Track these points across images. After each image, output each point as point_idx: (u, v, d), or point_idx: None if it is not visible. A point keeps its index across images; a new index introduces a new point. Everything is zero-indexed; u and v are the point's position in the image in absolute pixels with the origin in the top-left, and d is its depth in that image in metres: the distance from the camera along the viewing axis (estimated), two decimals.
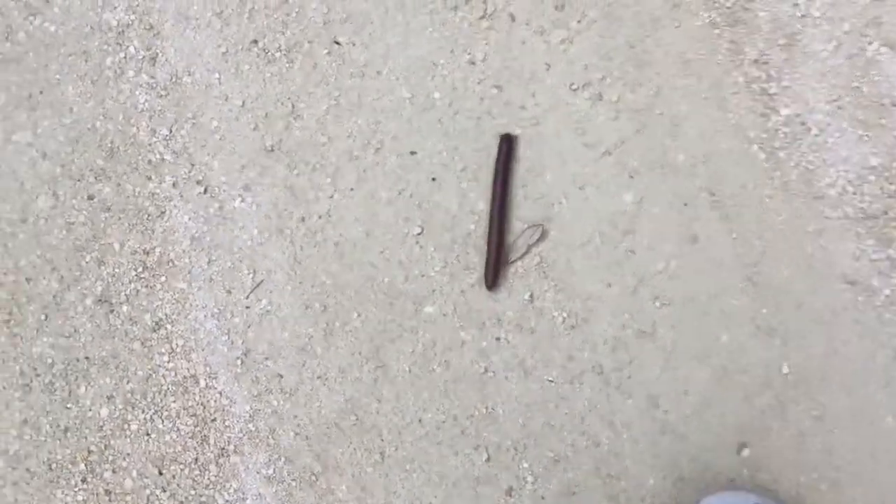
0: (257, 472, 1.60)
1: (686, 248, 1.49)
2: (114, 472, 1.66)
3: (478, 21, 1.57)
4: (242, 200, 1.64)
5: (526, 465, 1.51)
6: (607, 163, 1.51)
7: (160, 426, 1.65)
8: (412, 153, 1.59)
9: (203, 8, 1.67)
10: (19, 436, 1.69)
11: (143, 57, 1.69)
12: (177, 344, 1.65)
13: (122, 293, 1.67)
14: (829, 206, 1.43)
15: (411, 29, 1.59)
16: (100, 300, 1.68)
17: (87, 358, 1.68)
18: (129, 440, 1.65)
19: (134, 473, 1.66)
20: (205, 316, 1.64)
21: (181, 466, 1.64)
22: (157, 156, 1.68)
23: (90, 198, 1.69)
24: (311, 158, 1.62)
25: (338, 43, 1.61)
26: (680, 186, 1.48)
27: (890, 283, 1.40)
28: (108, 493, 1.66)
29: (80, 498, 1.67)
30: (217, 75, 1.66)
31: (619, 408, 1.50)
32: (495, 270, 1.50)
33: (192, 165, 1.66)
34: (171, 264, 1.66)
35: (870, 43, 1.41)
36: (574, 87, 1.53)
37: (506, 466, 1.51)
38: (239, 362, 1.63)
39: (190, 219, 1.65)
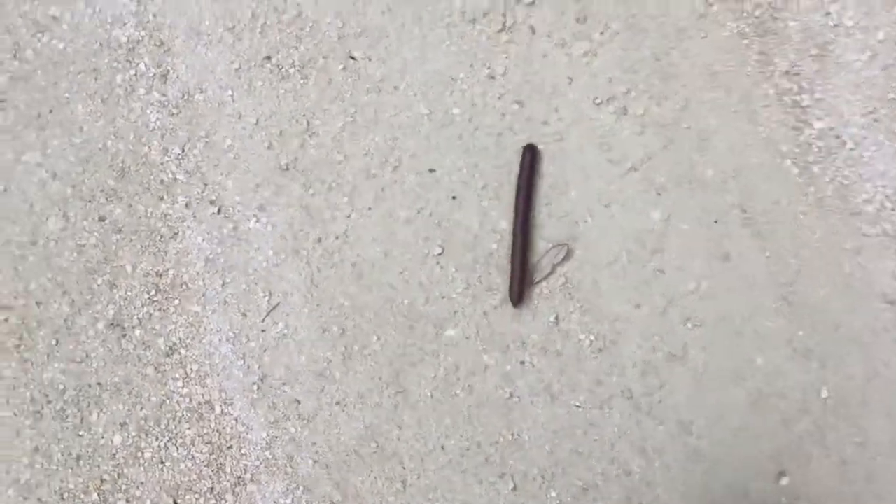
0: (275, 502, 1.60)
1: (717, 267, 1.47)
2: (127, 501, 1.65)
3: (497, 34, 1.55)
4: (257, 221, 1.60)
5: (553, 494, 1.51)
6: (633, 179, 1.50)
7: (175, 454, 1.65)
8: (431, 171, 1.54)
9: (215, 23, 1.65)
10: (30, 464, 1.69)
11: (154, 74, 1.68)
12: (191, 369, 1.64)
13: (135, 317, 1.67)
14: (866, 223, 1.41)
15: (428, 43, 1.57)
16: (112, 324, 1.67)
17: (99, 384, 1.68)
18: (142, 468, 1.65)
19: (148, 503, 1.65)
20: (220, 340, 1.64)
21: (196, 496, 1.63)
22: (170, 175, 1.66)
23: (101, 219, 1.69)
24: (327, 177, 1.59)
25: (353, 58, 1.60)
26: (710, 203, 1.47)
27: None
28: None
29: None
30: (230, 92, 1.65)
31: (650, 434, 1.49)
32: (521, 286, 1.49)
33: (206, 185, 1.64)
34: (184, 287, 1.65)
35: None
36: (598, 101, 1.52)
37: (532, 496, 1.51)
38: (255, 388, 1.62)
39: (204, 240, 1.64)
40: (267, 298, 1.61)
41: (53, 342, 1.67)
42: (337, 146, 1.60)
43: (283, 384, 1.59)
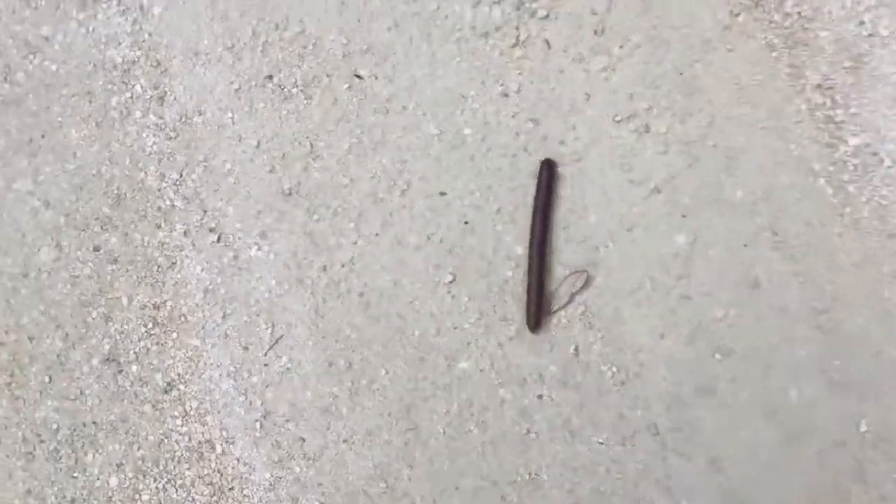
0: None
1: (747, 294, 1.44)
2: None
3: (510, 49, 1.54)
4: (259, 249, 1.60)
5: None
6: (657, 201, 1.48)
7: (174, 496, 1.63)
8: (442, 194, 1.54)
9: (213, 42, 1.65)
10: None
11: (151, 96, 1.68)
12: (190, 406, 1.63)
13: (131, 352, 1.66)
14: None
15: (438, 59, 1.56)
16: (107, 359, 1.67)
17: (94, 423, 1.66)
18: None
19: None
20: (220, 375, 1.62)
21: None
22: (167, 202, 1.66)
23: (96, 249, 1.68)
24: (332, 202, 1.59)
25: (359, 76, 1.59)
26: (738, 225, 1.45)
27: None
28: None
29: None
30: (230, 114, 1.64)
31: (676, 472, 1.46)
32: (538, 309, 1.47)
33: (205, 212, 1.64)
34: (183, 319, 1.64)
35: None
36: (618, 118, 1.50)
37: None
38: (258, 425, 1.61)
39: (203, 270, 1.64)
40: (270, 331, 1.59)
41: (46, 379, 1.66)
42: (342, 169, 1.59)
43: (287, 421, 1.56)
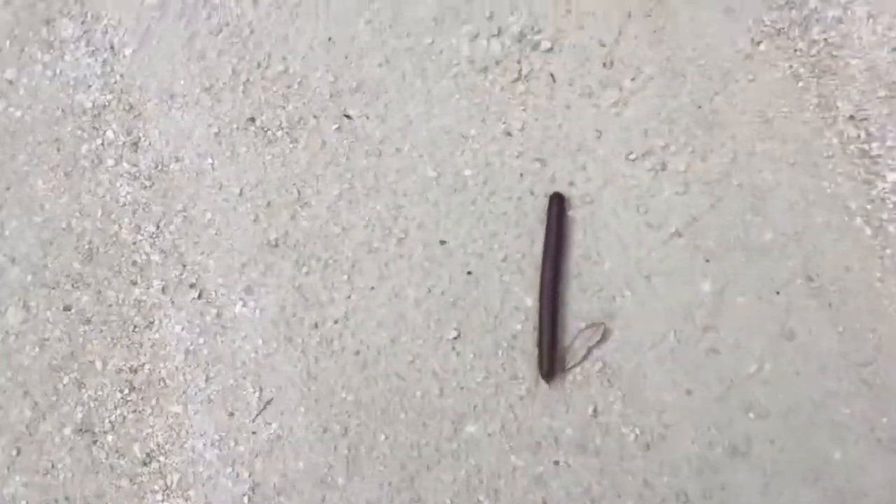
0: None
1: (781, 346, 1.39)
2: None
3: (512, 84, 1.52)
4: (244, 305, 1.56)
5: None
6: (678, 245, 1.44)
7: None
8: (442, 243, 1.51)
9: (190, 83, 1.62)
10: None
11: (124, 142, 1.65)
12: (172, 479, 1.57)
13: (107, 420, 1.60)
14: None
15: (434, 97, 1.54)
16: (80, 429, 1.61)
17: (66, 498, 1.60)
18: None
19: None
20: (204, 445, 1.56)
21: None
22: (143, 256, 1.62)
23: (67, 308, 1.63)
24: (322, 253, 1.55)
25: (348, 116, 1.56)
26: (769, 271, 1.40)
27: None
28: None
29: None
30: (209, 160, 1.61)
31: None
32: (551, 355, 1.42)
33: (184, 266, 1.60)
34: (162, 384, 1.58)
35: None
36: (632, 156, 1.47)
37: None
38: (246, 499, 1.54)
39: (183, 329, 1.59)
40: (257, 395, 1.54)
41: (14, 452, 1.61)
42: (333, 217, 1.55)
43: (279, 494, 1.52)
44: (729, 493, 1.38)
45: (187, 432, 1.56)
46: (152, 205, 1.61)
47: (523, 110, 1.50)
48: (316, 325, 1.53)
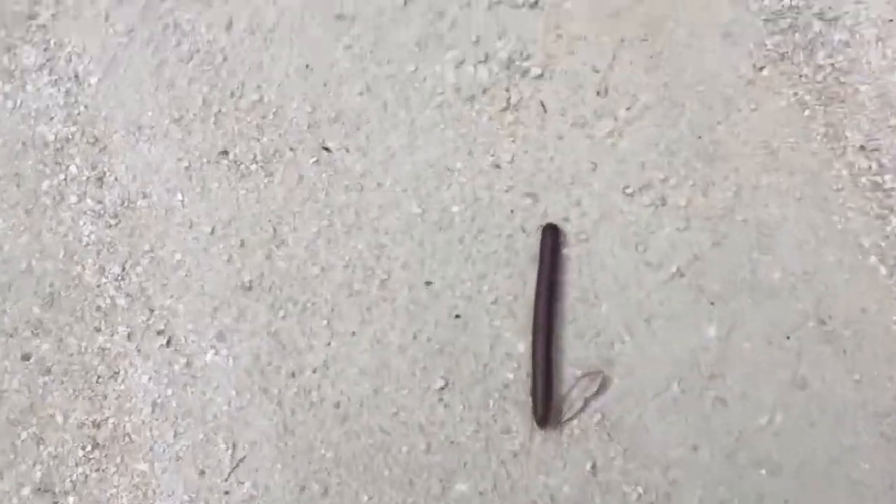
0: None
1: (794, 396, 1.35)
2: None
3: (501, 114, 1.50)
4: (216, 353, 1.53)
5: None
6: (679, 286, 1.41)
7: None
8: (428, 284, 1.48)
9: (159, 114, 1.59)
10: None
11: (88, 178, 1.62)
12: None
13: (68, 479, 1.54)
14: None
15: (418, 127, 1.51)
16: (39, 489, 1.55)
17: None
18: None
19: None
20: None
21: None
22: (108, 301, 1.57)
23: (25, 357, 1.59)
24: (300, 296, 1.52)
25: (327, 149, 1.54)
26: (778, 313, 1.37)
27: None
28: None
29: None
30: (179, 196, 1.58)
31: None
32: (546, 405, 1.38)
33: (151, 311, 1.56)
34: (127, 440, 1.53)
35: None
36: (629, 190, 1.44)
37: None
38: None
39: (150, 379, 1.54)
40: (230, 451, 1.50)
41: None
42: (311, 257, 1.51)
43: None
44: None
45: (154, 492, 1.51)
46: (118, 244, 1.58)
47: (512, 141, 1.47)
48: (293, 375, 1.50)
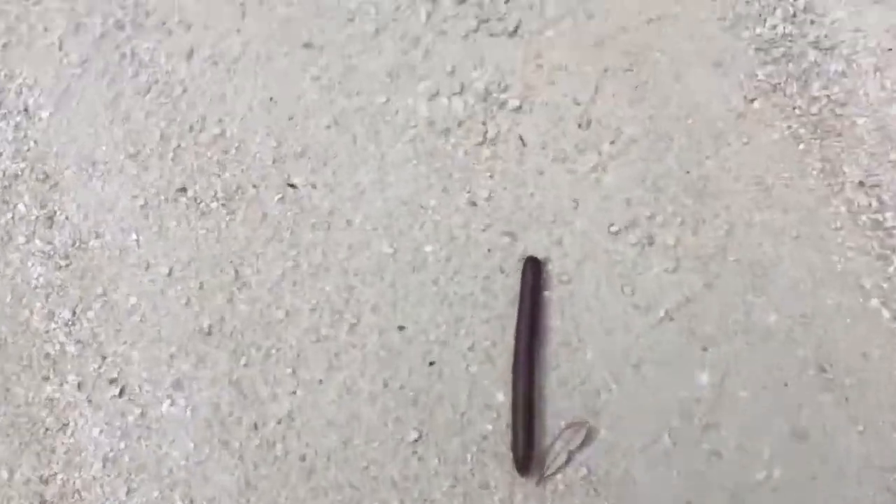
0: None
1: (793, 448, 1.32)
2: None
3: (477, 148, 1.48)
4: (172, 404, 1.49)
5: None
6: (670, 330, 1.38)
7: None
8: (400, 329, 1.45)
9: (113, 149, 1.56)
10: None
11: (37, 217, 1.59)
12: None
13: None
14: None
15: (389, 163, 1.50)
16: None
17: None
18: None
19: None
20: None
21: None
22: (57, 347, 1.54)
23: None
24: (263, 342, 1.48)
25: (293, 185, 1.51)
26: (775, 359, 1.34)
27: None
28: None
29: None
30: (134, 236, 1.55)
31: None
32: (528, 458, 1.34)
33: (104, 359, 1.52)
34: (77, 497, 1.49)
35: None
36: (614, 228, 1.43)
37: None
38: None
39: (101, 432, 1.50)
40: None
41: None
42: (275, 300, 1.48)
43: None
44: None
45: None
46: (68, 287, 1.55)
47: (490, 177, 1.46)
48: (255, 426, 1.46)
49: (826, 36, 1.45)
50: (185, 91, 1.59)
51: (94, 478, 1.48)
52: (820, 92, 1.41)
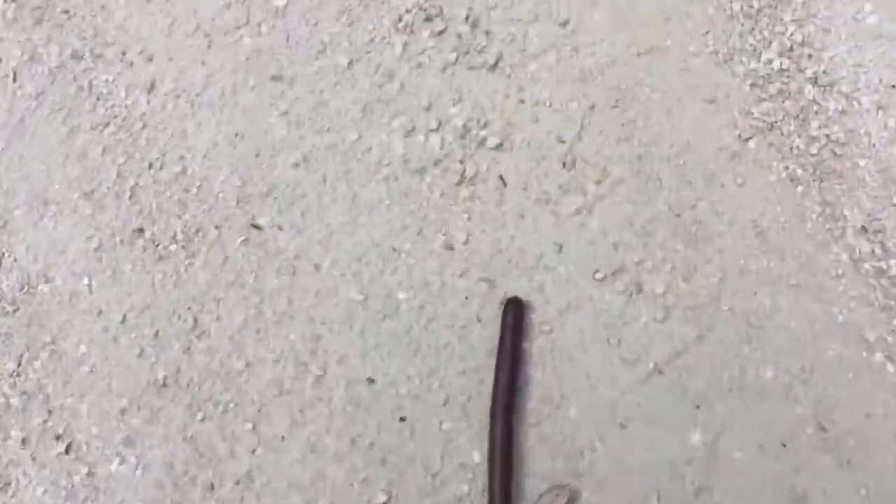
0: None
1: None
2: None
3: (454, 188, 1.48)
4: (122, 462, 1.47)
5: None
6: (659, 386, 1.36)
7: None
8: (370, 381, 1.43)
9: (67, 187, 1.55)
10: None
11: None
12: None
13: None
14: None
15: (361, 203, 1.49)
16: None
17: None
18: None
19: None
20: None
21: None
22: (0, 400, 1.53)
23: None
24: (221, 395, 1.46)
25: (257, 227, 1.51)
26: (772, 417, 1.33)
27: None
28: None
29: None
30: (86, 280, 1.54)
31: None
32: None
33: (50, 412, 1.50)
34: None
35: None
36: (600, 275, 1.41)
37: None
38: None
39: (46, 492, 1.48)
40: None
41: None
42: (236, 350, 1.47)
43: None
44: None
45: None
46: (14, 335, 1.54)
47: (468, 219, 1.46)
48: (212, 487, 1.44)
49: (825, 72, 1.44)
50: (145, 126, 1.58)
51: None
52: (819, 131, 1.40)
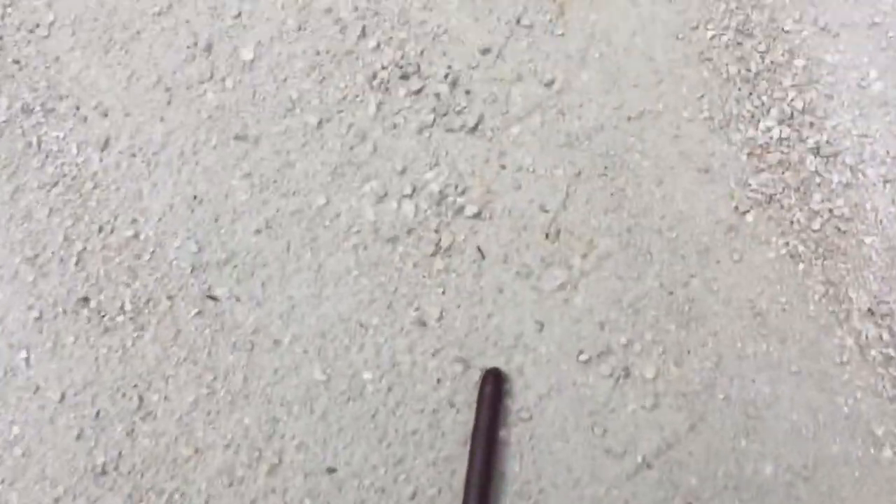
0: None
1: None
2: None
3: (428, 259, 1.48)
4: None
5: None
6: (648, 481, 1.35)
7: None
8: (330, 471, 1.41)
9: (9, 252, 1.54)
10: None
11: None
12: None
13: None
14: None
15: (327, 273, 1.49)
16: None
17: None
18: None
19: None
20: None
21: None
22: None
23: None
24: (166, 484, 1.44)
25: (213, 298, 1.50)
26: None
27: None
28: None
29: None
30: (23, 353, 1.52)
31: None
32: None
33: None
34: None
35: None
36: (584, 357, 1.41)
37: None
38: None
39: None
40: None
41: None
42: (184, 434, 1.45)
43: None
44: None
45: None
46: None
47: (442, 293, 1.46)
48: None
49: (828, 141, 1.45)
50: (96, 186, 1.58)
51: None
52: (821, 205, 1.41)
